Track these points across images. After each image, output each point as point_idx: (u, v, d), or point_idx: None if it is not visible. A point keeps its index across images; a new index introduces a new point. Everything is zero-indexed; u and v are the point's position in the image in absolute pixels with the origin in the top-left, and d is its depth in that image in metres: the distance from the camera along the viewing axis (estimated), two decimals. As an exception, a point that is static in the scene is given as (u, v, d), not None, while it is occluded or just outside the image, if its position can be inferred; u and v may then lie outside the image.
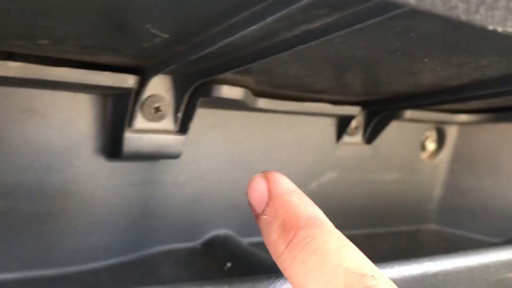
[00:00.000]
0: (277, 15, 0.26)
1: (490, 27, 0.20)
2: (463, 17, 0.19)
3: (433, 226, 0.92)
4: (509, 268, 0.56)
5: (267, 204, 0.40)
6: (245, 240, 0.68)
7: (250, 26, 0.29)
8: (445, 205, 0.91)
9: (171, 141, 0.54)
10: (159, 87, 0.52)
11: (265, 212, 0.40)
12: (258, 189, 0.41)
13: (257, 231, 0.66)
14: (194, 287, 0.38)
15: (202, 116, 0.59)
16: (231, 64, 0.41)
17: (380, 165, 0.81)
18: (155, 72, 0.47)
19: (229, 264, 0.60)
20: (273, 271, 0.53)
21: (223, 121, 0.63)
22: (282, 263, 0.36)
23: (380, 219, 0.84)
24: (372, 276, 0.33)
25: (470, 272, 0.53)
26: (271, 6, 0.26)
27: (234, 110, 0.63)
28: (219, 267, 0.61)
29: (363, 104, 0.71)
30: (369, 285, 0.32)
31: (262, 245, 0.69)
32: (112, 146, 0.54)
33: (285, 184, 0.40)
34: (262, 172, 0.41)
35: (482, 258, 0.55)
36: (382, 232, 0.84)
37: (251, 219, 0.64)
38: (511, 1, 0.20)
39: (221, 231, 0.67)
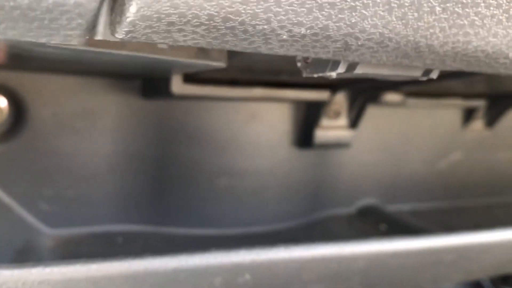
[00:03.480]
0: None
1: None
2: None
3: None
4: None
5: None
6: (389, 207, 0.73)
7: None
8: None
9: (346, 134, 0.62)
10: (340, 96, 0.60)
11: None
12: None
13: (398, 199, 0.72)
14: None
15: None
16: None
17: (497, 144, 0.82)
18: (341, 89, 0.54)
19: (383, 225, 0.66)
20: (420, 231, 0.58)
21: (374, 117, 0.68)
22: None
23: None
24: None
25: None
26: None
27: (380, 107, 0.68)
28: (375, 229, 0.67)
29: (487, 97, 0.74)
30: None
31: (403, 212, 0.74)
32: (304, 139, 0.62)
33: None
34: None
35: None
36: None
37: (393, 189, 0.70)
38: None
39: (370, 200, 0.73)
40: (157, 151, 0.59)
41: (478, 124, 0.79)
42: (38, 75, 0.54)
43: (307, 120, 0.63)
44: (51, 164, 0.56)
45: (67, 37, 0.22)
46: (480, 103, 0.75)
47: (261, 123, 0.61)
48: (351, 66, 0.29)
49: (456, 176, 0.81)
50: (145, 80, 0.55)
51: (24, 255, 0.51)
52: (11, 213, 0.54)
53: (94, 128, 0.56)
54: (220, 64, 0.35)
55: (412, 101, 0.66)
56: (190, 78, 0.51)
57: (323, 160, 0.68)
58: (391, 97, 0.61)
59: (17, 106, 0.54)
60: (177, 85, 0.50)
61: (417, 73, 0.32)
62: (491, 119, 0.78)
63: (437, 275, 0.55)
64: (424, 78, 0.33)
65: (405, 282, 0.56)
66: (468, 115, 0.77)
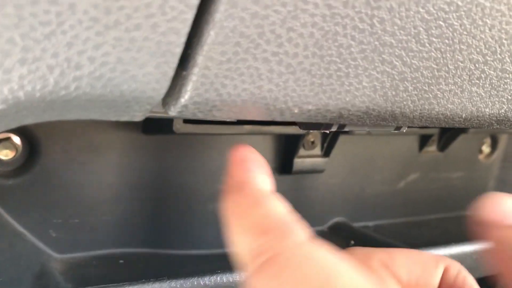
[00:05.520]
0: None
1: None
2: None
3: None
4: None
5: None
6: (356, 224, 0.81)
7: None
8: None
9: (320, 161, 0.68)
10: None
11: None
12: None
13: (363, 217, 0.78)
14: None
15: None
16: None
17: (449, 166, 0.91)
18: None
19: (352, 242, 0.73)
20: (383, 245, 0.65)
21: (342, 144, 0.76)
22: None
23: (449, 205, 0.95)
24: None
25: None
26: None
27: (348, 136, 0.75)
28: (345, 245, 0.74)
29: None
30: None
31: (369, 228, 0.81)
32: (284, 167, 0.69)
33: None
34: None
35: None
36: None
37: (359, 208, 0.77)
38: None
39: (340, 218, 0.80)
40: (155, 181, 0.64)
41: (432, 148, 0.87)
42: (49, 116, 0.58)
43: (287, 150, 0.70)
44: (59, 195, 0.61)
45: (133, 116, 0.28)
46: (434, 131, 0.84)
47: (247, 154, 0.68)
48: (341, 126, 0.36)
49: (413, 195, 0.89)
50: (146, 119, 0.61)
51: (41, 279, 0.55)
52: (25, 241, 0.59)
53: (99, 161, 0.61)
54: (232, 119, 0.41)
55: (376, 130, 0.74)
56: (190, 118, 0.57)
57: (300, 184, 0.75)
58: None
59: (31, 143, 0.58)
60: (179, 125, 0.56)
61: (390, 129, 0.39)
62: (443, 144, 0.87)
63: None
64: (396, 132, 0.40)
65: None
66: (424, 141, 0.86)
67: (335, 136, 0.70)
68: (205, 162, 0.65)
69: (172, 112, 0.28)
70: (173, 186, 0.66)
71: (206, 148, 0.65)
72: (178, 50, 0.25)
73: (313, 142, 0.70)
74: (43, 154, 0.60)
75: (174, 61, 0.25)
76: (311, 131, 0.69)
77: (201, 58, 0.26)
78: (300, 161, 0.70)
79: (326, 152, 0.72)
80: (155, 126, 0.60)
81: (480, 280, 0.99)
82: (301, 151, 0.70)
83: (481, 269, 0.75)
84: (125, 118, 0.28)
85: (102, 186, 0.64)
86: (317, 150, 0.71)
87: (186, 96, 0.27)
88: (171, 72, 0.25)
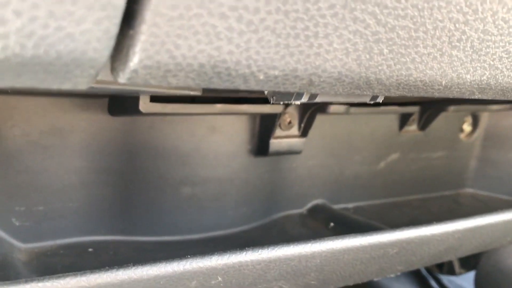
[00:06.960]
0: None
1: None
2: None
3: (469, 190, 0.99)
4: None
5: None
6: (335, 206, 0.78)
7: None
8: (479, 174, 0.98)
9: (297, 142, 0.65)
10: (291, 108, 0.63)
11: None
12: None
13: (343, 199, 0.76)
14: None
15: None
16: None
17: (430, 145, 0.89)
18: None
19: (332, 224, 0.70)
20: (363, 227, 0.63)
21: (320, 124, 0.73)
22: None
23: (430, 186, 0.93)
24: None
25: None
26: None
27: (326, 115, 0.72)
28: (325, 227, 0.72)
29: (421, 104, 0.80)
30: None
31: (348, 210, 0.79)
32: (260, 149, 0.67)
33: None
34: None
35: None
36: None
37: (338, 190, 0.75)
38: None
39: (319, 200, 0.78)
40: (124, 164, 0.61)
41: (412, 128, 0.85)
42: (7, 97, 0.55)
43: (262, 131, 0.67)
44: (22, 181, 0.57)
45: (76, 84, 0.25)
46: (414, 109, 0.81)
47: (221, 134, 0.65)
48: (313, 96, 0.33)
49: (394, 175, 0.87)
50: (111, 98, 0.58)
51: (2, 271, 0.52)
52: (-15, 230, 0.55)
53: (62, 145, 0.58)
54: (197, 93, 0.38)
55: (354, 109, 0.71)
56: (157, 96, 0.54)
57: (277, 166, 0.72)
58: (337, 108, 0.66)
59: (-13, 127, 0.55)
60: (145, 104, 0.53)
61: (366, 99, 0.37)
62: (424, 123, 0.85)
63: (383, 267, 0.61)
64: (372, 102, 0.37)
65: (355, 274, 0.61)
66: (404, 120, 0.84)
67: (312, 115, 0.68)
68: (175, 144, 0.62)
69: (121, 79, 0.25)
70: (143, 169, 0.62)
71: (176, 128, 0.62)
72: (121, 2, 0.21)
73: (290, 122, 0.67)
74: (2, 137, 0.57)
75: (117, 16, 0.22)
76: (287, 110, 0.66)
77: (148, 14, 0.23)
78: (277, 142, 0.67)
79: (304, 132, 0.69)
80: (121, 106, 0.57)
81: (462, 260, 0.98)
82: (278, 132, 0.67)
83: (463, 249, 0.73)
84: (67, 86, 0.25)
85: (68, 171, 0.60)
86: (294, 130, 0.68)
87: (135, 59, 0.24)
88: (114, 30, 0.22)
